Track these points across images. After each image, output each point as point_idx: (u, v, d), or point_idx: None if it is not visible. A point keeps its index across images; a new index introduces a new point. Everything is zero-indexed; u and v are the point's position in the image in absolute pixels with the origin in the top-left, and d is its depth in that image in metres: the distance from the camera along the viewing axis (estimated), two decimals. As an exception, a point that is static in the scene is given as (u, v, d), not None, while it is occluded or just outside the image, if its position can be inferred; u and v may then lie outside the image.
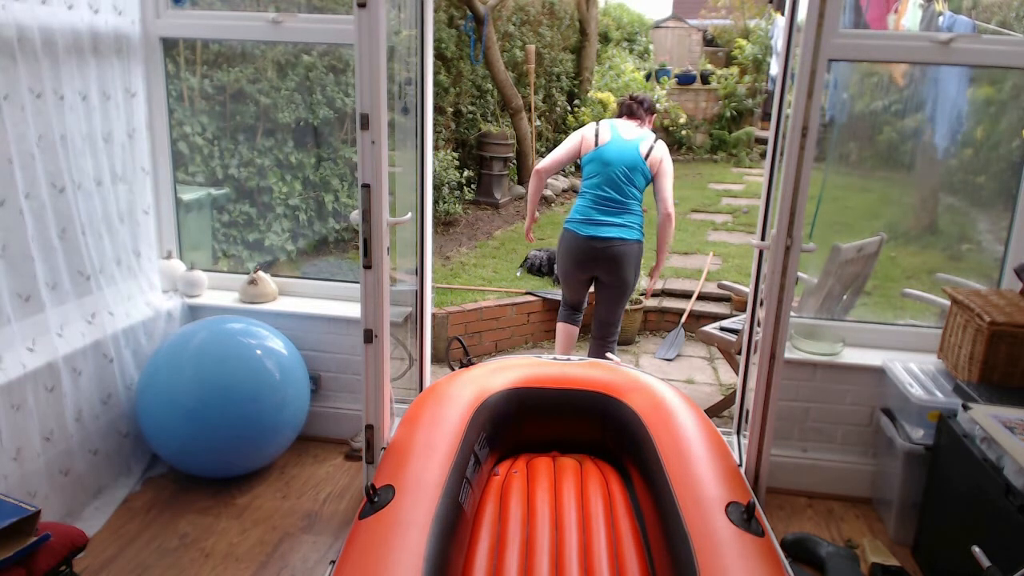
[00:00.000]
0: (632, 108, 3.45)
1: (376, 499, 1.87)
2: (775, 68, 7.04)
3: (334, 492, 2.89)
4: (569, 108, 9.23)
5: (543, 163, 3.43)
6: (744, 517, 1.81)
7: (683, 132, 10.51)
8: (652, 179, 3.35)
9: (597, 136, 3.34)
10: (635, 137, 3.32)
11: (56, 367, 2.49)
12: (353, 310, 3.09)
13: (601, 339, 3.58)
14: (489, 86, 7.89)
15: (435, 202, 5.93)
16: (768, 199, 2.58)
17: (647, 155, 3.29)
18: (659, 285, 5.30)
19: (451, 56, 7.23)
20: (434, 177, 4.08)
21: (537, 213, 3.72)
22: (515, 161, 7.87)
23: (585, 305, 3.67)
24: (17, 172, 2.35)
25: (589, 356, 3.57)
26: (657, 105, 9.51)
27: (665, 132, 10.37)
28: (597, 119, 3.54)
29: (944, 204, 3.94)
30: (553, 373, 2.56)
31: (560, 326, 3.68)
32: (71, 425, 2.55)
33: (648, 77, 10.47)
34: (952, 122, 3.51)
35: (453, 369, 2.66)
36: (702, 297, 5.13)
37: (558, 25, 9.26)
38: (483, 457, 2.26)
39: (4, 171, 2.32)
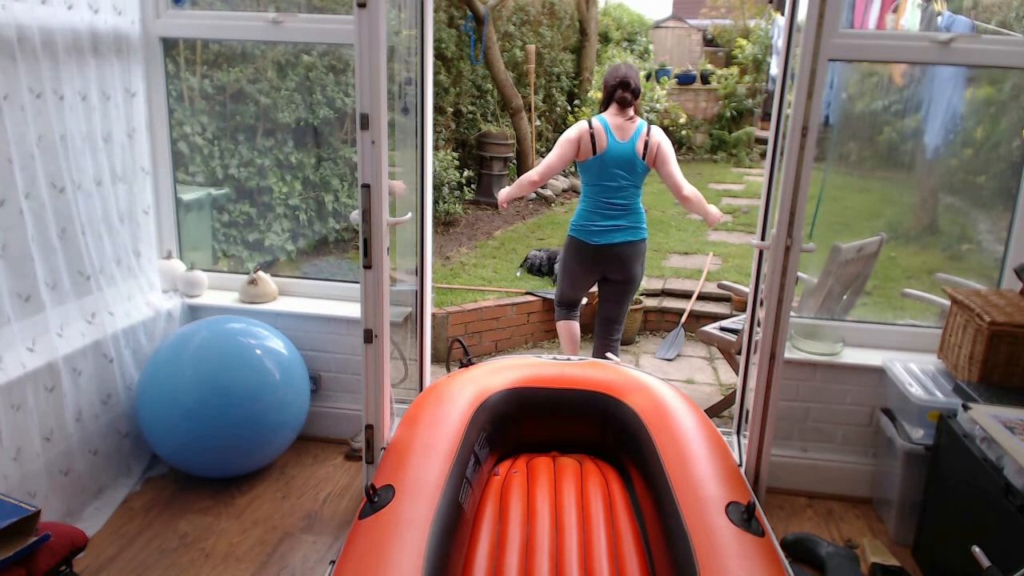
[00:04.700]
0: (625, 101, 3.28)
1: (376, 499, 1.87)
2: (775, 68, 7.05)
3: (334, 492, 2.89)
4: (569, 108, 9.23)
5: (538, 175, 3.32)
6: (744, 517, 1.81)
7: (683, 132, 10.51)
8: (652, 167, 3.32)
9: (594, 142, 3.24)
10: (630, 136, 3.27)
11: (56, 367, 2.48)
12: (353, 310, 3.09)
13: (606, 337, 3.56)
14: (489, 86, 7.89)
15: (435, 202, 5.93)
16: (768, 199, 2.58)
17: (643, 152, 3.26)
18: (659, 285, 5.30)
19: (451, 56, 7.23)
20: (434, 177, 4.08)
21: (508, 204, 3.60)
22: (515, 161, 7.87)
23: (583, 303, 3.64)
24: (17, 172, 2.35)
25: (593, 355, 3.57)
26: (657, 104, 9.54)
27: (665, 132, 10.37)
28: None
29: (944, 204, 3.94)
30: (553, 373, 2.55)
31: (563, 324, 3.61)
32: (71, 425, 2.55)
33: (648, 77, 10.47)
34: (952, 122, 3.51)
35: (466, 356, 2.66)
36: (702, 297, 5.13)
37: (558, 25, 9.26)
38: (483, 457, 2.26)
39: (4, 171, 2.32)
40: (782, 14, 5.31)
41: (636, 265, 3.38)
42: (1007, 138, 3.33)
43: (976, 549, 1.89)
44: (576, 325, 3.62)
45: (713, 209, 3.42)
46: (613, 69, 3.35)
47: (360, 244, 2.23)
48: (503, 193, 3.49)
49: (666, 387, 2.47)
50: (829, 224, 3.74)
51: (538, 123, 8.64)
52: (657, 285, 5.30)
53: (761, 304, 2.50)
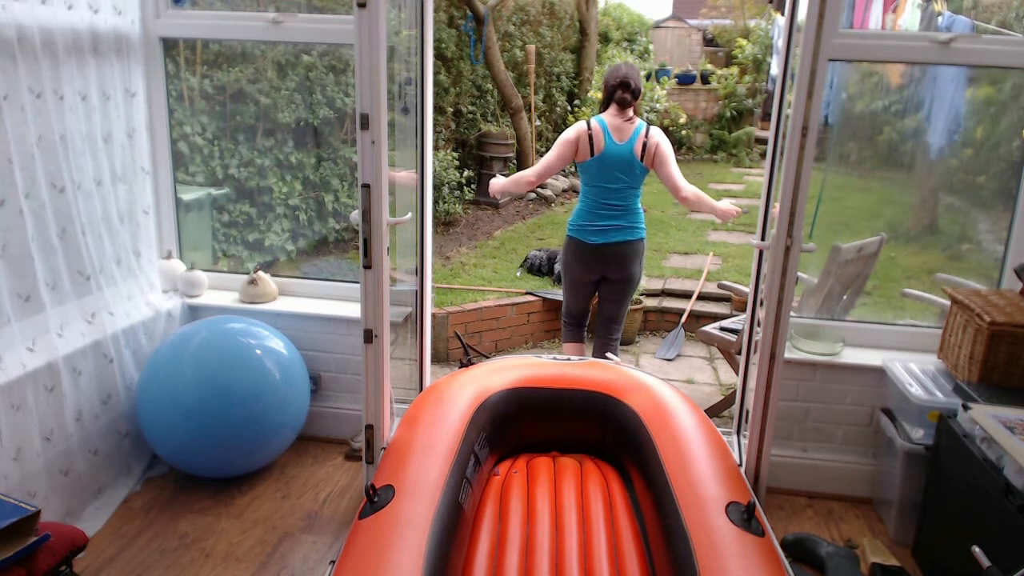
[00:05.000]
0: (625, 102, 3.24)
1: (376, 499, 1.87)
2: (775, 68, 7.05)
3: (334, 492, 2.89)
4: (569, 108, 9.23)
5: (535, 175, 3.32)
6: (744, 517, 1.81)
7: (683, 132, 10.51)
8: (651, 168, 3.30)
9: (592, 143, 3.22)
10: (628, 137, 3.25)
11: (56, 367, 2.49)
12: (353, 310, 3.09)
13: (606, 337, 3.56)
14: (489, 86, 7.89)
15: (435, 202, 5.93)
16: (768, 199, 2.58)
17: (642, 153, 3.25)
18: (659, 285, 5.30)
19: (451, 56, 7.23)
20: (434, 177, 4.08)
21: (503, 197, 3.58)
22: (515, 161, 7.87)
23: (588, 316, 3.63)
24: (17, 172, 2.35)
25: (593, 355, 3.57)
26: (657, 104, 9.54)
27: (665, 132, 10.37)
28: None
29: (944, 204, 3.94)
30: (553, 373, 2.56)
31: (570, 346, 3.62)
32: (71, 425, 2.55)
33: (648, 77, 10.48)
34: (952, 122, 3.51)
35: (466, 355, 2.67)
36: (702, 297, 5.13)
37: (558, 25, 9.26)
38: (483, 457, 2.26)
39: (4, 171, 2.32)
40: (782, 14, 5.31)
41: (634, 264, 3.37)
42: (1007, 138, 3.34)
43: (976, 549, 1.89)
44: (583, 347, 3.62)
45: (722, 204, 3.34)
46: (614, 69, 3.33)
47: (360, 244, 2.23)
48: (496, 184, 3.44)
49: (666, 387, 2.47)
50: (829, 224, 3.74)
51: (538, 123, 8.64)
52: (657, 285, 5.30)
53: (761, 304, 2.50)
